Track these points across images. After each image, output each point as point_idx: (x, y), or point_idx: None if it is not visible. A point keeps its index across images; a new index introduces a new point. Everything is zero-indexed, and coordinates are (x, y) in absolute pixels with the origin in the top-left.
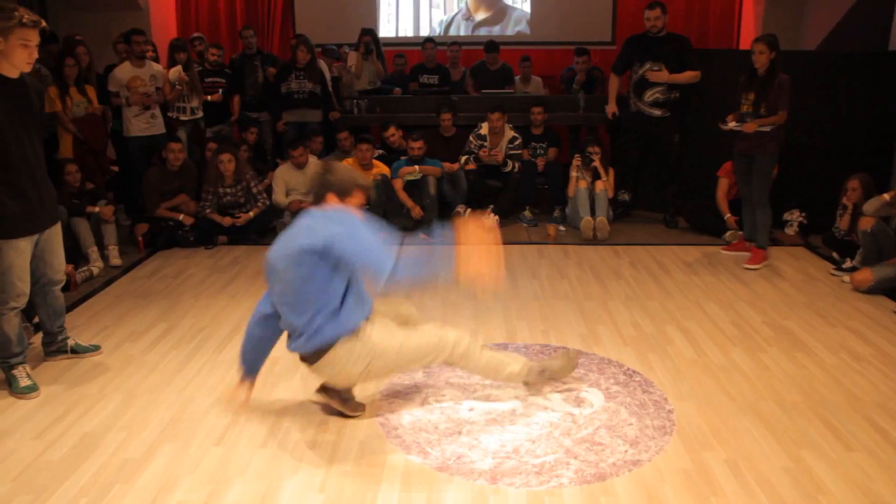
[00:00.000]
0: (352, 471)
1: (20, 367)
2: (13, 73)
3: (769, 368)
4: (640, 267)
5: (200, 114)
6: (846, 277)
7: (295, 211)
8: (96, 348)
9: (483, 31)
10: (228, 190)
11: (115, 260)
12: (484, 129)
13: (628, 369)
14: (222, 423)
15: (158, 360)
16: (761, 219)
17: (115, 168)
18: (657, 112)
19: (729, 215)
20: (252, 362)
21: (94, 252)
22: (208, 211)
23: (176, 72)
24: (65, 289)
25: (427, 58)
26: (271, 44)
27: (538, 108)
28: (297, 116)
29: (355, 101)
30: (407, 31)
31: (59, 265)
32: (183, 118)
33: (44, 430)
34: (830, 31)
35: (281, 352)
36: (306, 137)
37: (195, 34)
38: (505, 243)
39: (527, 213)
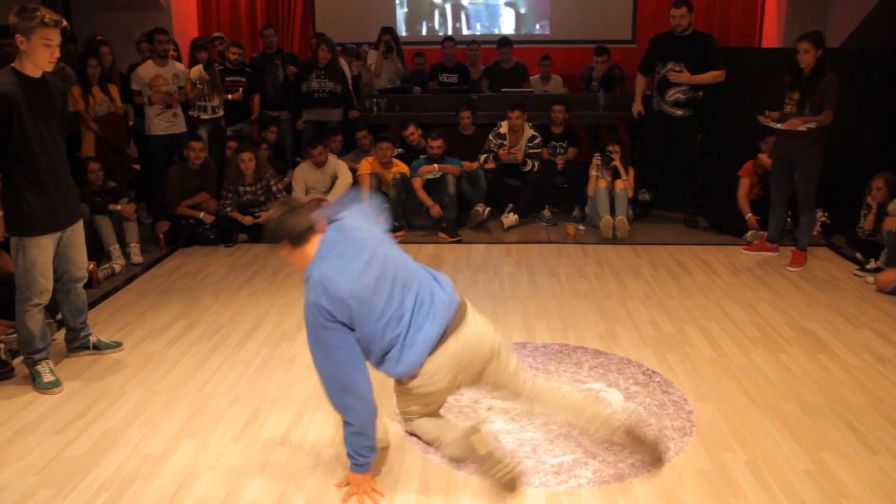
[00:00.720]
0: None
1: (44, 363)
2: (36, 73)
3: (790, 369)
4: (659, 266)
5: (221, 112)
6: (870, 278)
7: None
8: (118, 345)
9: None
10: (248, 188)
11: (137, 257)
12: (504, 127)
13: (647, 369)
14: (242, 419)
15: (179, 357)
16: (805, 222)
17: (137, 166)
18: (678, 112)
19: (750, 215)
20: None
21: (115, 249)
22: (229, 209)
23: (197, 71)
24: (87, 286)
25: (446, 56)
26: (291, 43)
27: (559, 107)
28: (316, 115)
29: (375, 99)
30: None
31: (81, 262)
32: (204, 117)
33: (66, 425)
34: (855, 28)
35: (299, 349)
36: (326, 136)
37: (216, 34)
38: (524, 242)
39: (546, 212)
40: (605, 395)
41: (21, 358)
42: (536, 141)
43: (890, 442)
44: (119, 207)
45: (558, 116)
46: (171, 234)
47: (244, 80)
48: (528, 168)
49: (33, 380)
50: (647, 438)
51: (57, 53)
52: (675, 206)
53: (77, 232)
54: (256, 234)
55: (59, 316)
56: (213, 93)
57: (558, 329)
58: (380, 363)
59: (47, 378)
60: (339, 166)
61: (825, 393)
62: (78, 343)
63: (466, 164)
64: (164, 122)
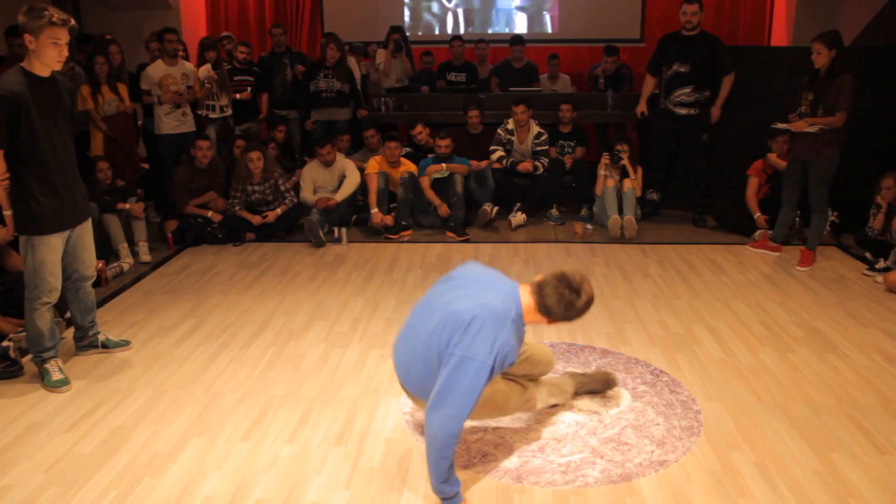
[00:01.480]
0: (377, 468)
1: (52, 361)
2: (45, 72)
3: (799, 369)
4: (667, 266)
5: (229, 112)
6: (879, 278)
7: (322, 209)
8: (126, 343)
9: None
10: (257, 187)
11: (145, 256)
12: (511, 123)
13: (655, 369)
14: (249, 418)
15: (187, 356)
16: (817, 223)
17: (146, 165)
18: (684, 111)
19: (759, 214)
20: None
21: (124, 248)
22: (237, 208)
23: (205, 70)
24: (95, 284)
25: (454, 55)
26: (300, 42)
27: (567, 106)
28: (324, 115)
29: (383, 98)
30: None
31: (90, 261)
32: (212, 116)
33: (75, 423)
34: (865, 27)
35: (306, 348)
36: (334, 135)
37: (224, 33)
38: (532, 241)
39: (554, 212)
40: (613, 395)
41: (30, 356)
42: (543, 138)
43: None
44: (128, 206)
45: (566, 115)
46: (180, 233)
47: (252, 79)
48: (538, 172)
49: (42, 378)
50: (594, 375)
51: (65, 53)
52: (684, 205)
53: (86, 231)
54: (264, 234)
55: (68, 314)
56: (221, 92)
57: (566, 328)
58: None
59: (56, 376)
60: (347, 165)
61: (834, 393)
62: (86, 342)
63: (474, 163)
64: (173, 122)
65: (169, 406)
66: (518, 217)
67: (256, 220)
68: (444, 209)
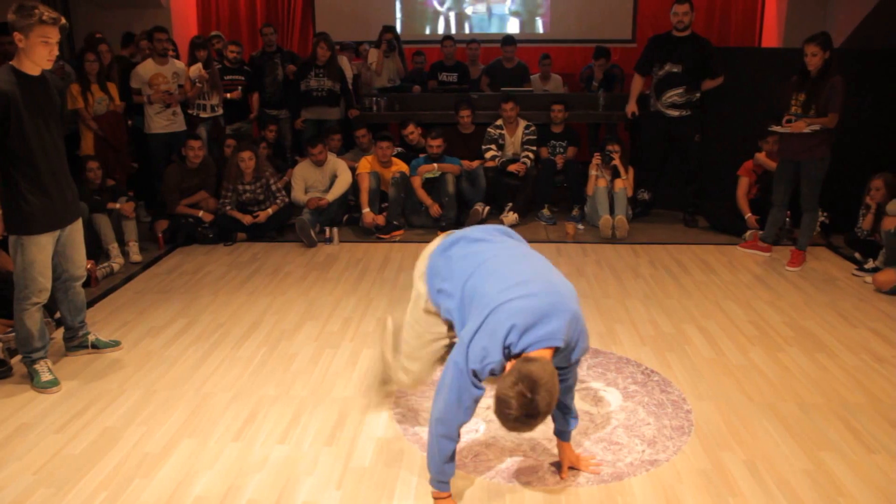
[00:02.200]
0: (369, 468)
1: (42, 362)
2: (35, 71)
3: (789, 369)
4: (658, 266)
5: (220, 111)
6: (868, 278)
7: (314, 209)
8: (116, 343)
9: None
10: (248, 187)
11: (136, 256)
12: (500, 121)
13: (646, 368)
14: (241, 418)
15: (178, 356)
16: (807, 222)
17: (136, 165)
18: (675, 113)
19: (749, 215)
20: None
21: (114, 248)
22: (228, 208)
23: (196, 69)
24: (85, 284)
25: (446, 55)
26: (291, 41)
27: (558, 106)
28: (315, 114)
29: (374, 98)
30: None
31: (80, 261)
32: (203, 115)
33: (65, 424)
34: (855, 28)
35: (298, 348)
36: (325, 135)
37: (214, 32)
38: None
39: (545, 212)
40: (604, 394)
41: (19, 357)
42: (532, 129)
43: (888, 441)
44: (118, 206)
45: (558, 116)
46: (170, 232)
47: (243, 78)
48: (528, 165)
49: (31, 379)
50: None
51: (56, 51)
52: (675, 205)
53: (76, 230)
54: (255, 233)
55: (58, 315)
56: (212, 91)
57: None
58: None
59: (45, 377)
60: (339, 165)
61: (823, 392)
62: (76, 342)
63: (466, 163)
64: (163, 121)
65: (160, 406)
66: (510, 217)
67: (247, 219)
68: (435, 209)
